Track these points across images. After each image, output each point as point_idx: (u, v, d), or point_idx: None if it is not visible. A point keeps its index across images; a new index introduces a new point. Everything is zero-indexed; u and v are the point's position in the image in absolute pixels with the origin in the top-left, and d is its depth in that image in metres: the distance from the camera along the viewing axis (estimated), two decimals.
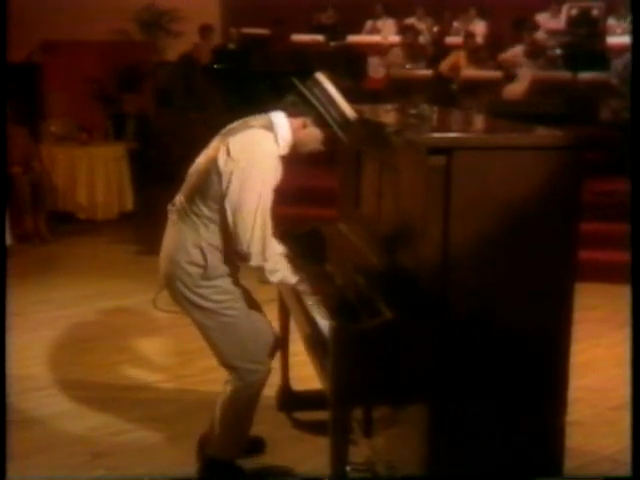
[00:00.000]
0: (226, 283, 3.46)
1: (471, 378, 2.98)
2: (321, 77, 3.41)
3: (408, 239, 3.15)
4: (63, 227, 8.96)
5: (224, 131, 3.46)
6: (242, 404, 3.60)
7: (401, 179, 3.23)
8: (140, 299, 6.16)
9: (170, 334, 5.68)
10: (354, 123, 3.40)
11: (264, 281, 3.40)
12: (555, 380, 3.05)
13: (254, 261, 3.29)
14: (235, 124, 3.46)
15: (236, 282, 3.51)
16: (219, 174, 3.29)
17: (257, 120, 3.41)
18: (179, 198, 3.49)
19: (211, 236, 3.37)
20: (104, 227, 9.23)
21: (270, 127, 3.36)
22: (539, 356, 3.00)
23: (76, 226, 9.16)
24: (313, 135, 3.42)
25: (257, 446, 3.99)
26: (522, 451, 3.07)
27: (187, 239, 3.39)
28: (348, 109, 3.37)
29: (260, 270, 3.33)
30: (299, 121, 3.39)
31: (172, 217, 3.50)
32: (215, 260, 3.39)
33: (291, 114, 3.40)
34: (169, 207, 3.54)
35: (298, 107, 3.39)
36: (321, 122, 3.37)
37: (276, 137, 3.35)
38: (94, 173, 9.36)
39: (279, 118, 3.39)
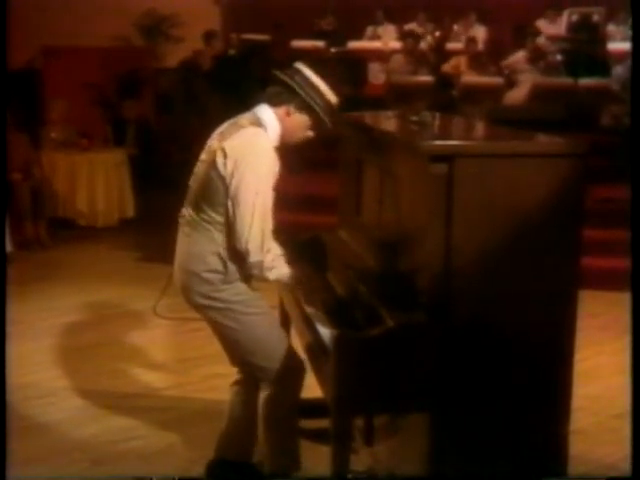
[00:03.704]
0: (245, 285, 3.45)
1: (474, 386, 2.96)
2: (301, 65, 3.43)
3: (410, 247, 3.14)
4: (63, 233, 8.96)
5: (216, 135, 3.46)
6: (282, 409, 3.53)
7: (402, 186, 3.23)
8: (141, 306, 6.16)
9: (171, 341, 5.68)
10: (337, 106, 3.43)
11: (262, 279, 3.39)
12: (559, 388, 3.04)
13: (252, 257, 3.28)
14: (225, 127, 3.46)
15: (252, 286, 3.50)
16: (221, 178, 3.30)
17: (245, 118, 3.42)
18: (187, 209, 3.48)
19: (227, 241, 3.37)
20: (104, 233, 9.23)
21: (258, 122, 3.38)
22: (542, 364, 2.99)
23: (76, 232, 9.16)
24: (298, 121, 3.43)
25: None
26: (525, 459, 3.05)
27: (204, 248, 3.38)
28: (329, 93, 3.40)
29: (259, 266, 3.32)
30: (282, 109, 3.41)
31: (184, 229, 3.48)
32: (233, 265, 3.38)
33: (274, 104, 3.41)
34: (179, 220, 3.52)
35: (280, 96, 3.41)
36: (304, 107, 3.39)
37: (266, 130, 3.38)
38: (94, 179, 9.37)
39: (264, 111, 3.41)
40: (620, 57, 10.00)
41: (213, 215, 3.37)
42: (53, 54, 11.48)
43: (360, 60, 11.87)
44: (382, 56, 11.89)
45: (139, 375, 5.22)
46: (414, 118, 3.51)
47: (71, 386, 5.02)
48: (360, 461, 3.60)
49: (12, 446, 3.59)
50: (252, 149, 3.30)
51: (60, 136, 9.60)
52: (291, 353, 3.53)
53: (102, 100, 11.19)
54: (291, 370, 3.51)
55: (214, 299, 3.40)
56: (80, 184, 9.31)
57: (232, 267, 3.38)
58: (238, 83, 9.55)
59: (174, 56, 11.47)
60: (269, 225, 3.35)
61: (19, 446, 4.02)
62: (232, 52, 11.59)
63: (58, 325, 6.10)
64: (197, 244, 3.41)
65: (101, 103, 11.21)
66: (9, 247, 7.49)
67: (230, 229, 3.32)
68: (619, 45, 10.68)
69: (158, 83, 11.75)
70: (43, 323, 6.15)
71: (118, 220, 9.55)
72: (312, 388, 3.53)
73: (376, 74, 11.83)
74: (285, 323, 4.19)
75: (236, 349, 3.53)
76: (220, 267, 3.38)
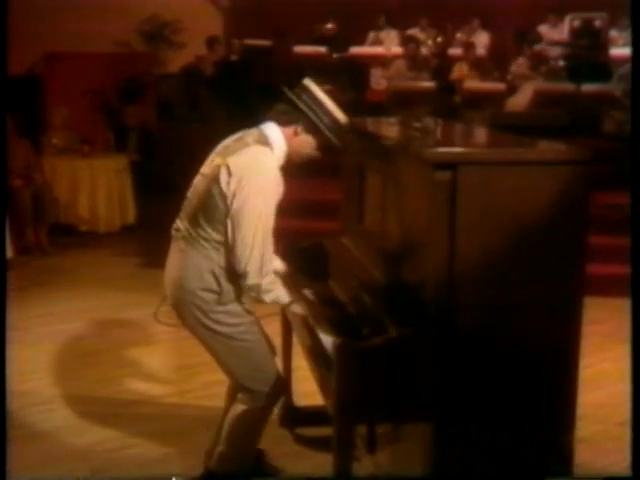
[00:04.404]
0: (239, 307, 3.43)
1: (478, 395, 2.94)
2: (310, 83, 3.39)
3: (413, 255, 3.12)
4: (64, 240, 8.93)
5: (219, 149, 3.42)
6: (252, 424, 3.58)
7: (405, 194, 3.21)
8: (142, 312, 6.12)
9: (172, 348, 5.65)
10: (345, 127, 3.40)
11: (259, 300, 3.38)
12: (563, 396, 3.03)
13: (251, 279, 3.26)
14: (229, 141, 3.42)
15: (247, 306, 3.49)
16: (222, 196, 3.25)
17: (251, 135, 3.37)
18: (183, 224, 3.43)
19: (223, 259, 3.33)
20: (106, 240, 9.20)
21: (265, 141, 3.33)
22: (547, 372, 2.97)
23: (78, 239, 9.13)
24: (305, 142, 3.39)
25: (257, 458, 3.95)
26: (530, 468, 3.03)
27: (200, 266, 3.34)
28: (339, 113, 3.36)
29: (256, 289, 3.29)
30: (290, 129, 3.37)
31: (179, 244, 3.43)
32: (228, 284, 3.36)
33: (282, 123, 3.37)
34: (173, 233, 3.49)
35: (288, 115, 3.36)
36: (312, 128, 3.35)
37: (272, 150, 3.33)
38: (96, 185, 9.34)
39: (271, 129, 3.37)
40: (622, 62, 9.98)
41: (210, 232, 3.32)
42: (55, 60, 11.46)
43: (362, 65, 11.85)
44: (384, 61, 11.88)
45: (139, 382, 5.20)
46: (417, 124, 3.48)
47: (71, 393, 4.99)
48: (362, 468, 3.57)
49: (12, 453, 3.56)
50: (257, 169, 3.25)
51: (62, 142, 9.59)
52: (278, 377, 3.56)
53: (104, 106, 11.17)
54: (274, 394, 3.54)
55: (208, 319, 3.38)
56: (81, 190, 9.28)
57: (227, 286, 3.36)
58: (240, 89, 9.55)
59: (176, 62, 11.46)
60: (270, 247, 3.32)
61: (19, 453, 4.00)
62: (234, 58, 11.58)
63: (58, 331, 6.07)
64: (192, 260, 3.36)
65: (103, 109, 11.19)
66: (10, 253, 7.47)
67: (229, 249, 3.28)
68: (621, 50, 10.66)
69: (160, 89, 11.74)
70: (43, 329, 6.13)
71: (119, 226, 9.52)
72: (314, 395, 3.51)
73: (378, 80, 11.82)
74: (287, 330, 4.17)
75: (226, 369, 3.55)
76: (215, 286, 3.35)
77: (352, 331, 3.03)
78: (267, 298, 3.33)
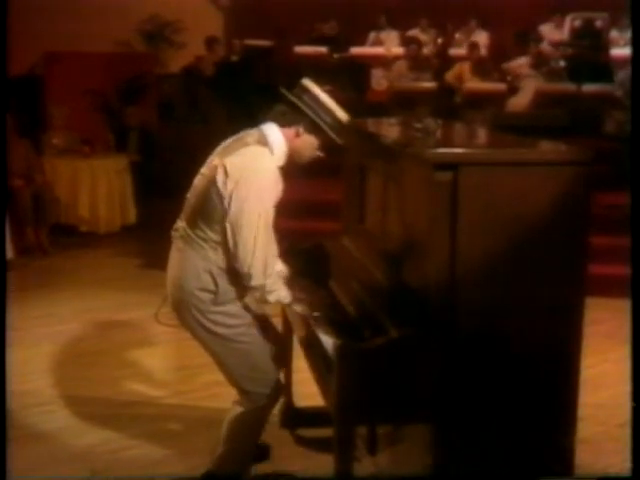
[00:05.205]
0: (237, 307, 3.43)
1: (478, 395, 2.94)
2: (308, 83, 3.38)
3: (414, 255, 3.11)
4: (65, 240, 8.93)
5: (219, 150, 3.41)
6: (251, 425, 3.59)
7: (406, 194, 3.20)
8: (142, 313, 6.12)
9: (172, 348, 5.65)
10: (346, 125, 3.38)
11: (262, 301, 3.38)
12: (565, 397, 3.03)
13: (255, 281, 3.26)
14: (229, 142, 3.41)
15: (247, 306, 3.48)
16: (220, 196, 3.25)
17: (251, 136, 3.36)
18: (181, 224, 3.44)
19: (220, 259, 3.33)
20: (106, 240, 9.20)
21: (264, 142, 3.32)
22: (549, 373, 2.97)
23: (78, 239, 9.12)
24: (308, 142, 3.38)
25: (262, 453, 3.97)
26: (531, 470, 3.03)
27: (197, 265, 3.34)
28: (339, 111, 3.36)
29: (260, 289, 3.30)
30: (292, 130, 3.35)
31: (177, 244, 3.44)
32: (225, 284, 3.36)
33: (282, 124, 3.36)
34: (172, 233, 3.49)
35: (289, 116, 3.35)
36: (314, 128, 3.34)
37: (272, 150, 3.32)
38: (96, 186, 9.34)
39: (271, 130, 3.36)
40: (623, 63, 9.97)
41: (208, 232, 3.32)
42: (55, 60, 11.45)
43: (363, 66, 11.83)
44: (385, 62, 11.86)
45: (140, 383, 5.19)
46: (418, 125, 3.48)
47: (71, 394, 4.99)
48: (363, 469, 3.57)
49: (12, 454, 3.56)
50: (255, 170, 3.24)
51: (62, 142, 9.58)
52: (276, 378, 3.57)
53: (104, 106, 11.17)
54: (272, 395, 3.55)
55: (206, 319, 3.38)
56: (82, 190, 9.28)
57: (224, 287, 3.35)
58: (240, 89, 9.54)
59: (177, 62, 11.47)
60: (272, 247, 3.32)
61: (19, 454, 3.99)
62: (234, 58, 11.58)
63: (58, 332, 6.06)
64: (190, 260, 3.36)
65: (103, 109, 11.18)
66: (10, 254, 7.46)
67: (231, 252, 3.27)
68: (622, 51, 10.64)
69: (161, 89, 11.74)
70: (43, 330, 6.12)
71: (120, 226, 9.52)
72: (314, 396, 3.50)
73: (379, 80, 11.79)
74: (287, 331, 4.16)
75: (223, 370, 3.55)
76: (212, 286, 3.34)
77: (353, 332, 3.03)
78: (271, 298, 3.34)
